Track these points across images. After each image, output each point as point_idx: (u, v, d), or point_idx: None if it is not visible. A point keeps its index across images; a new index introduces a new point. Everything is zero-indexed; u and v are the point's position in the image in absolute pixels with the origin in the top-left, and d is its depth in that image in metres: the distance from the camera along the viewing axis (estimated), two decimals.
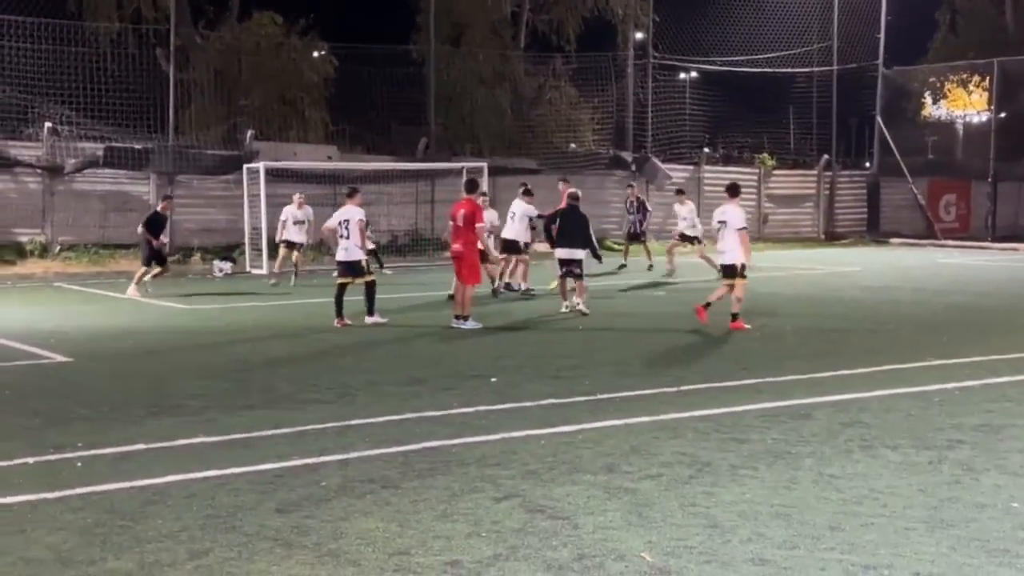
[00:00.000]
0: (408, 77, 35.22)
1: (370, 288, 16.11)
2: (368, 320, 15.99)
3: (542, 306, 17.97)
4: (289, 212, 23.29)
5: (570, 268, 17.28)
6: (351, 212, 16.11)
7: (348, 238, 15.99)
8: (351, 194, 16.67)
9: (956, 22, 46.58)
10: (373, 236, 25.57)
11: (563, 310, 17.10)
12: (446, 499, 6.91)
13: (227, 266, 26.25)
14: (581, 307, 16.95)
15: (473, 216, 15.75)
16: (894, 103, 41.97)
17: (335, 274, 16.62)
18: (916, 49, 45.81)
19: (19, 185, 28.00)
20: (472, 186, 16.81)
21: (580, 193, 18.15)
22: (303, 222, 23.23)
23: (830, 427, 8.94)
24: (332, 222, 16.34)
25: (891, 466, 7.71)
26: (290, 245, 23.29)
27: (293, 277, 23.02)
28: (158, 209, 21.98)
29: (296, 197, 23.64)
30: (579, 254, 17.18)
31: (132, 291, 20.51)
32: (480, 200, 19.61)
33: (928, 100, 44.52)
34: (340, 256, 16.18)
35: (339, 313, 16.00)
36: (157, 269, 21.09)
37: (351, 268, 16.10)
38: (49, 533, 6.28)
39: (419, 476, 7.45)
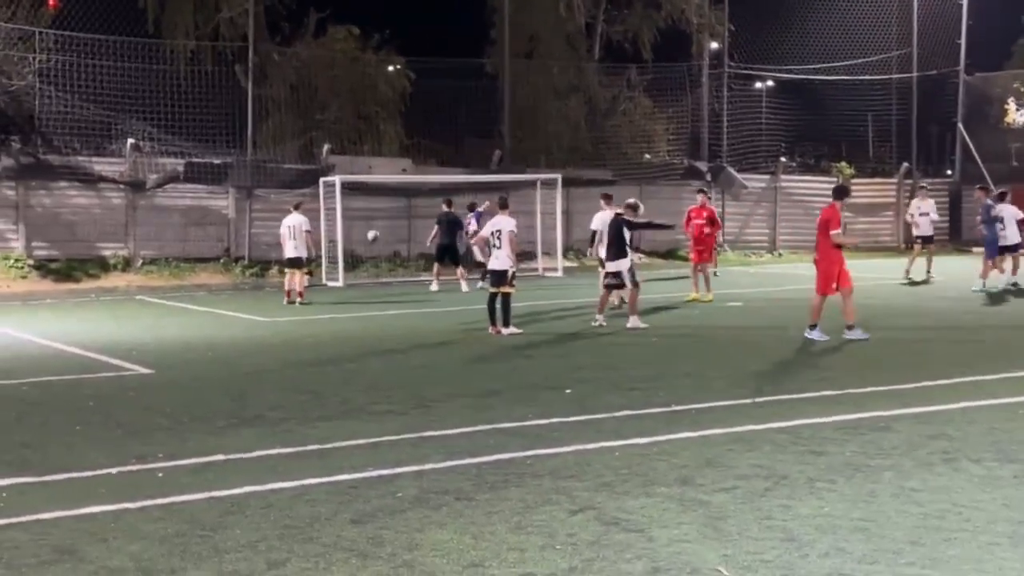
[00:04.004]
0: (482, 90, 35.38)
1: (506, 299, 16.24)
2: (505, 331, 16.09)
3: (619, 319, 17.86)
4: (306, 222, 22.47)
5: None
6: (503, 222, 16.37)
7: (500, 248, 16.21)
8: (503, 204, 16.93)
9: None
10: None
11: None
12: (520, 511, 6.90)
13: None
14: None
15: (827, 223, 15.06)
16: (976, 109, 41.19)
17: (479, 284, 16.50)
18: (1000, 54, 44.94)
19: (103, 200, 28.60)
20: (838, 192, 15.74)
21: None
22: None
23: (911, 439, 8.78)
24: (485, 232, 16.68)
25: (974, 480, 7.55)
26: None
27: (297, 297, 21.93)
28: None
29: (298, 203, 23.13)
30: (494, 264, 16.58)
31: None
32: (699, 199, 20.95)
33: (1011, 106, 43.63)
34: (491, 265, 16.46)
35: (492, 320, 16.27)
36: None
37: (497, 277, 16.31)
38: (131, 542, 6.39)
39: (493, 488, 7.46)
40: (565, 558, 6.00)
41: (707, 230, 21.11)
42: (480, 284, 23.19)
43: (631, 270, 16.95)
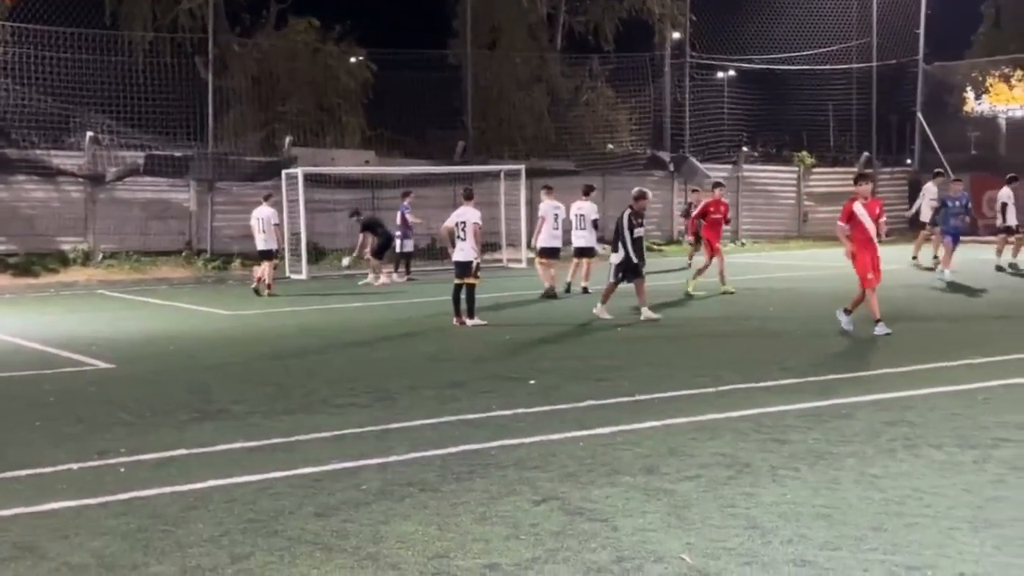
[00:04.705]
0: (445, 81, 35.28)
1: (471, 291, 16.17)
2: (469, 322, 16.04)
3: (582, 309, 17.89)
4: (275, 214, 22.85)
5: None
6: (468, 214, 16.27)
7: (465, 239, 16.13)
8: (468, 195, 16.82)
9: (1001, 15, 46.01)
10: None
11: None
12: (485, 502, 6.90)
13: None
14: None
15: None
16: (935, 98, 41.46)
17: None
18: (959, 43, 45.29)
19: (62, 194, 28.30)
20: (854, 181, 15.83)
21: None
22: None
23: (872, 426, 8.86)
24: (449, 222, 16.45)
25: (935, 465, 7.62)
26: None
27: (266, 289, 22.02)
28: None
29: (268, 195, 23.49)
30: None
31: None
32: (717, 192, 20.90)
33: (970, 95, 43.97)
34: (456, 256, 16.30)
35: (457, 312, 16.19)
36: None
37: (461, 268, 16.18)
38: (93, 538, 6.34)
39: (458, 479, 7.46)
40: (530, 548, 6.00)
41: (728, 217, 21.56)
42: (395, 276, 24.46)
43: (618, 265, 16.48)
